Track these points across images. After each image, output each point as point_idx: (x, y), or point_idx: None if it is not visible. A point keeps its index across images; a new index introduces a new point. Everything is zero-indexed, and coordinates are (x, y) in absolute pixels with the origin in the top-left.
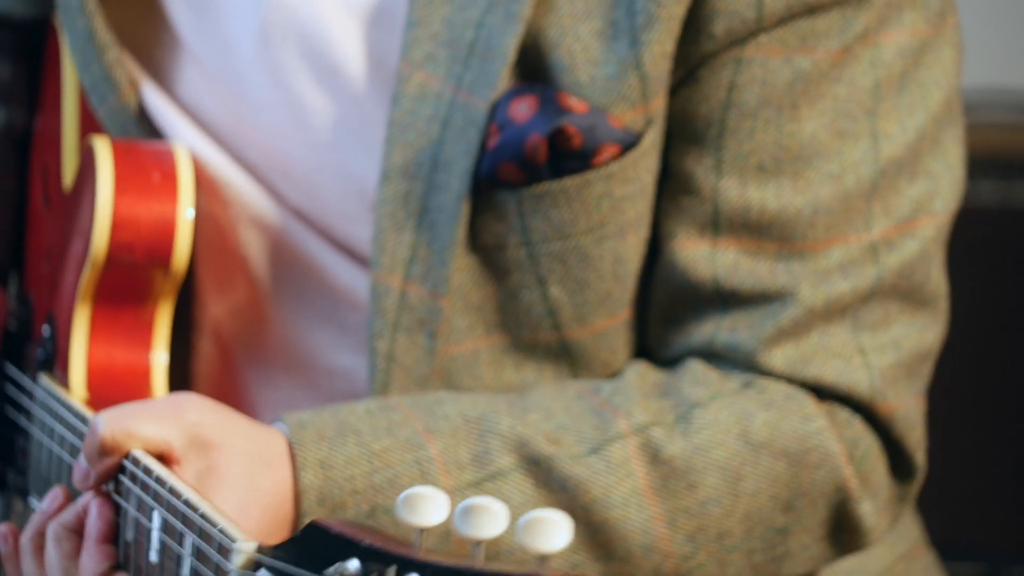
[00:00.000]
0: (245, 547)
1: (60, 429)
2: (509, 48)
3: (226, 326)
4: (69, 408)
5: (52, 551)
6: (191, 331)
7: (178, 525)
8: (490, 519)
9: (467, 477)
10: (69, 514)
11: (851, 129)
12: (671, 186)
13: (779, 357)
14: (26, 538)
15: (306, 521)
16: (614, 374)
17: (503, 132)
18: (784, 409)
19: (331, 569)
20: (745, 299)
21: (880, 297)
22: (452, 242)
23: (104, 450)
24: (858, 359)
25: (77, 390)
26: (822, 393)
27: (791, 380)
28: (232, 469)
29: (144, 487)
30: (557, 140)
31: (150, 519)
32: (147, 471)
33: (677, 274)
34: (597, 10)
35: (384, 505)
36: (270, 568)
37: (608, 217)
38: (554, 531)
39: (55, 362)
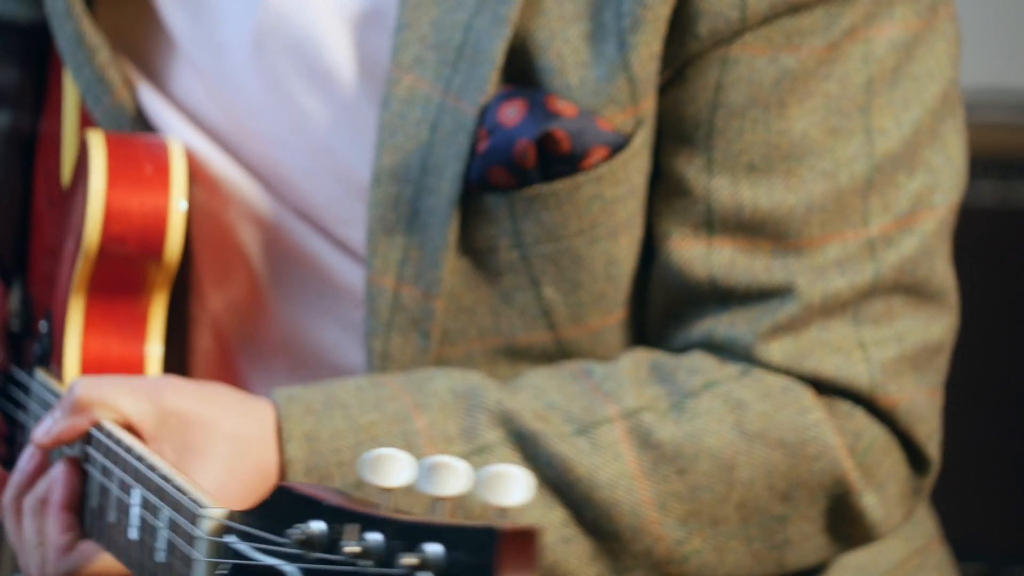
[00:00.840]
0: (214, 513)
1: None
2: (497, 52)
3: (225, 322)
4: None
5: (30, 526)
6: (189, 327)
7: (154, 500)
8: (452, 476)
9: (454, 450)
10: (43, 486)
11: (844, 126)
12: (663, 187)
13: (776, 351)
14: (7, 499)
15: None
16: None
17: (492, 137)
18: (780, 400)
19: (294, 529)
20: (743, 296)
21: (882, 292)
22: (443, 245)
23: (75, 408)
24: (858, 353)
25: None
26: (821, 386)
27: (789, 373)
28: (213, 449)
29: (125, 466)
30: (546, 144)
31: (129, 496)
32: (128, 449)
33: (673, 274)
34: (585, 13)
35: None
36: (237, 532)
37: (599, 219)
38: (514, 485)
39: (51, 357)
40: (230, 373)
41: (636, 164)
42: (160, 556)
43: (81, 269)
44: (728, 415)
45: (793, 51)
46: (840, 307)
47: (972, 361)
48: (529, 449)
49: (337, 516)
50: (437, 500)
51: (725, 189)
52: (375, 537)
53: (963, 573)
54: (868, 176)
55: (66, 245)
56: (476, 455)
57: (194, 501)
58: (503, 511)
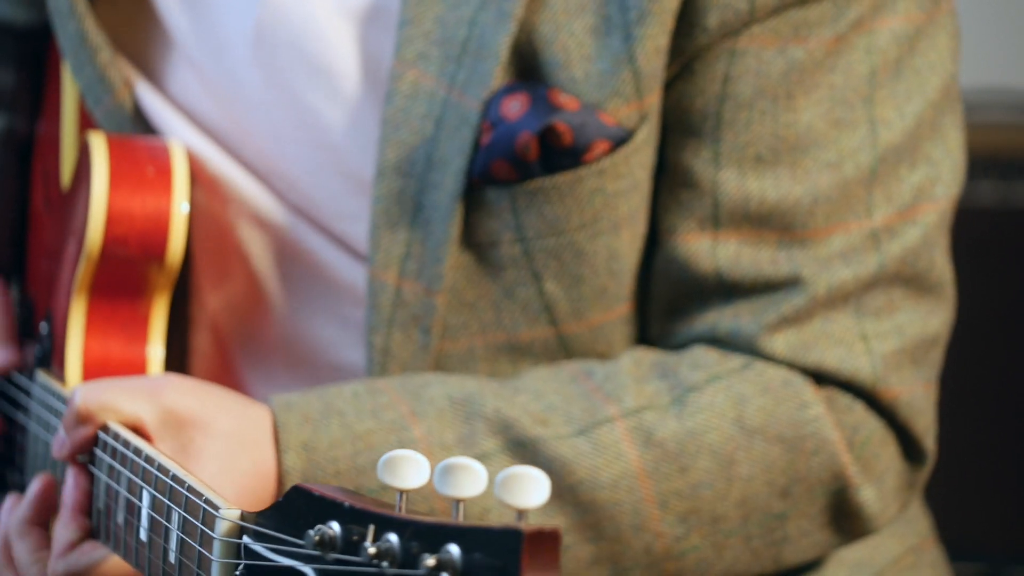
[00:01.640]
0: (229, 515)
1: (56, 422)
2: (502, 47)
3: (223, 320)
4: (64, 401)
5: (20, 549)
6: (188, 327)
7: (165, 501)
8: (469, 478)
9: None
10: (23, 509)
11: (848, 117)
12: (669, 180)
13: (780, 342)
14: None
15: None
16: None
17: (495, 130)
18: (780, 395)
19: (312, 531)
20: (748, 289)
21: (884, 284)
22: (446, 239)
23: (79, 419)
24: (860, 345)
25: (73, 384)
26: (823, 379)
27: (792, 365)
28: (208, 448)
29: (133, 467)
30: (548, 138)
31: (138, 498)
32: (136, 451)
33: (679, 269)
34: (590, 5)
35: (367, 486)
36: (253, 533)
37: (601, 213)
38: (532, 487)
39: (52, 358)
40: (229, 371)
41: (639, 159)
42: (172, 557)
43: (83, 271)
44: (729, 410)
45: (801, 43)
46: (843, 299)
47: (971, 360)
48: (528, 456)
49: (354, 517)
50: (456, 502)
51: (732, 181)
52: (392, 538)
53: (962, 573)
54: (872, 167)
55: (67, 247)
56: None
57: (208, 502)
58: (522, 513)
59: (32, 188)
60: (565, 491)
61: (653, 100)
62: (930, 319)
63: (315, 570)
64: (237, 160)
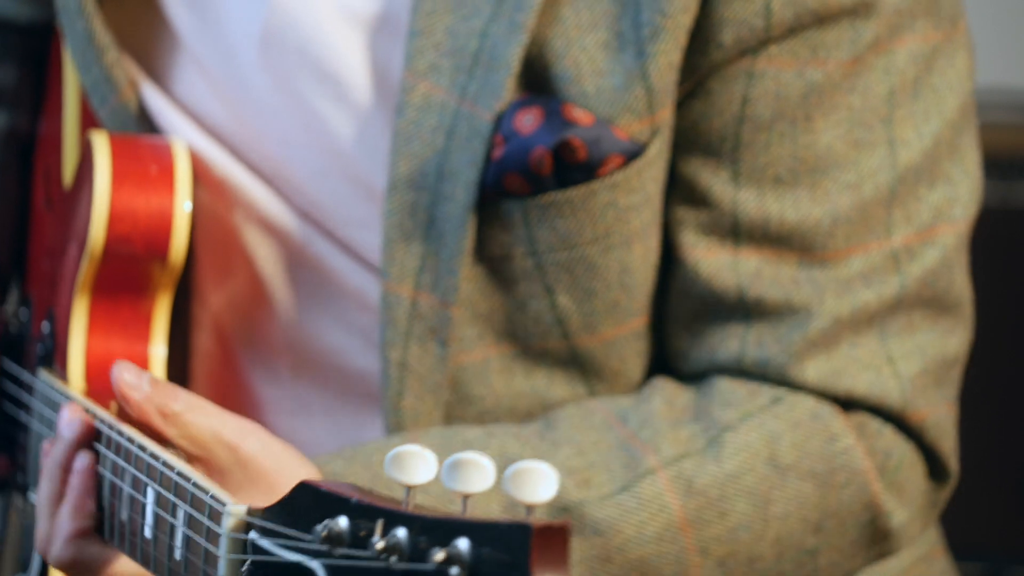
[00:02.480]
0: (235, 510)
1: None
2: (513, 58)
3: (227, 323)
4: (68, 398)
5: (44, 485)
6: (190, 328)
7: (171, 497)
8: (477, 473)
9: None
10: (59, 452)
11: (867, 138)
12: (688, 198)
13: (811, 370)
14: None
15: None
16: (626, 383)
17: (508, 144)
18: (810, 429)
19: (320, 527)
20: (770, 309)
21: (905, 306)
22: (459, 252)
23: (160, 411)
24: (887, 369)
25: (75, 382)
26: (853, 404)
27: (823, 394)
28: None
29: (138, 463)
30: (562, 153)
31: (143, 494)
32: (142, 447)
33: (700, 284)
34: (603, 21)
35: None
36: (260, 529)
37: (613, 227)
38: (541, 481)
39: (54, 357)
40: (232, 372)
41: (651, 173)
42: (178, 554)
43: (85, 269)
44: (763, 449)
45: (819, 64)
46: (867, 321)
47: (972, 361)
48: (575, 521)
49: (362, 512)
50: (463, 497)
51: (751, 202)
52: (401, 533)
53: (962, 573)
54: (891, 187)
55: (69, 245)
56: None
57: (215, 498)
58: (531, 507)
59: (33, 186)
60: (614, 552)
61: (665, 115)
62: (949, 339)
63: (323, 565)
64: (244, 163)
